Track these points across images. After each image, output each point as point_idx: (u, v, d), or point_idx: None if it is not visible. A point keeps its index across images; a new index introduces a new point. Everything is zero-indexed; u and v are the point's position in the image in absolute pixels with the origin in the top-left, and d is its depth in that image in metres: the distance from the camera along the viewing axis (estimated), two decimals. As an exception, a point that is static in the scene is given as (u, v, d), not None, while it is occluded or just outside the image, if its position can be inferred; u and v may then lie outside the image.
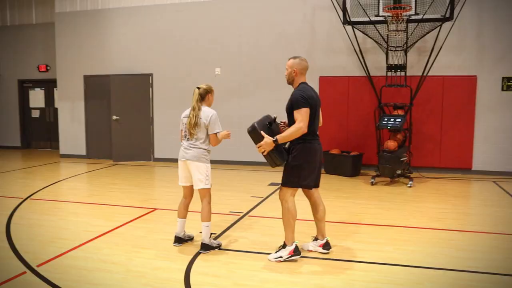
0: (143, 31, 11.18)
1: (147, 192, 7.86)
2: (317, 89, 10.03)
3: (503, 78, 9.09)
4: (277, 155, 4.38)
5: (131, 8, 11.21)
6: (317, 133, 4.47)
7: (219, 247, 4.94)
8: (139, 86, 11.16)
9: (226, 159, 10.69)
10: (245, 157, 10.46)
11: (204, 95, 4.88)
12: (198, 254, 4.75)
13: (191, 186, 4.98)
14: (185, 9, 10.86)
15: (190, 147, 4.80)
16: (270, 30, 10.34)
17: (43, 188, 8.10)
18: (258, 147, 4.31)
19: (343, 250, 4.86)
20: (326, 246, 4.71)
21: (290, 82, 4.55)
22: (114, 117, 11.06)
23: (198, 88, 4.88)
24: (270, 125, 4.52)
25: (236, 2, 10.54)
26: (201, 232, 4.94)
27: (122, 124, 11.10)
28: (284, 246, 4.52)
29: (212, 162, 10.97)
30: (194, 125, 4.76)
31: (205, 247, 4.83)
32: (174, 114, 11.03)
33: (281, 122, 4.67)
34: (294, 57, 4.53)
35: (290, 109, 4.37)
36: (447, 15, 8.27)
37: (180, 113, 11.41)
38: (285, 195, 4.46)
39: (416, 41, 8.52)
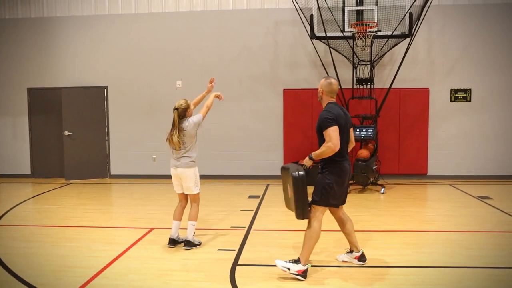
0: (96, 42, 10.60)
1: (129, 212, 7.43)
2: (281, 101, 10.33)
3: (451, 90, 9.98)
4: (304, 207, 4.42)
5: (82, 17, 10.60)
6: (347, 153, 4.55)
7: (199, 244, 5.44)
8: (93, 99, 10.56)
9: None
10: (213, 171, 10.30)
11: (184, 114, 5.37)
12: (234, 271, 4.64)
13: (184, 193, 5.51)
14: (143, 20, 10.51)
15: (180, 155, 5.36)
16: (234, 43, 10.36)
17: (6, 213, 7.34)
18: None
19: (368, 257, 5.01)
20: (362, 258, 4.79)
21: (320, 100, 4.64)
22: (66, 133, 10.33)
23: (177, 109, 5.32)
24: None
25: (198, 14, 10.42)
26: (187, 242, 5.33)
27: (75, 140, 10.40)
28: (297, 261, 4.43)
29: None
30: (177, 143, 5.27)
31: (189, 244, 5.34)
32: (132, 129, 10.66)
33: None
34: (326, 78, 4.59)
35: (319, 130, 4.43)
36: (406, 32, 8.92)
37: (138, 127, 10.93)
38: (315, 213, 4.45)
39: (383, 56, 9.05)
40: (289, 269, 4.40)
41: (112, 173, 10.79)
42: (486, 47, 9.83)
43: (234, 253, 5.21)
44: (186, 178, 5.33)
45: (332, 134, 4.28)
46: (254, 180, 10.28)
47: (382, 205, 7.72)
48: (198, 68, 10.48)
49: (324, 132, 4.34)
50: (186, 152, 5.34)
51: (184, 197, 5.52)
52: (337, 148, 4.27)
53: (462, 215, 6.92)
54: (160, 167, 10.59)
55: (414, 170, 10.07)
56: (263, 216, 7.04)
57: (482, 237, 5.75)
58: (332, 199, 4.45)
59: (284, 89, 10.31)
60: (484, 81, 9.88)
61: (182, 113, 5.31)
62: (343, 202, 4.66)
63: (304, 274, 4.40)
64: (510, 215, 6.79)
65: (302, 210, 4.44)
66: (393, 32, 8.67)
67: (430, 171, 10.06)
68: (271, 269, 4.70)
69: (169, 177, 10.08)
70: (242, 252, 5.25)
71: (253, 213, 7.20)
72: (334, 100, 4.58)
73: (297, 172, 4.41)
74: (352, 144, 4.65)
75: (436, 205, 7.69)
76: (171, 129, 5.33)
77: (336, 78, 9.19)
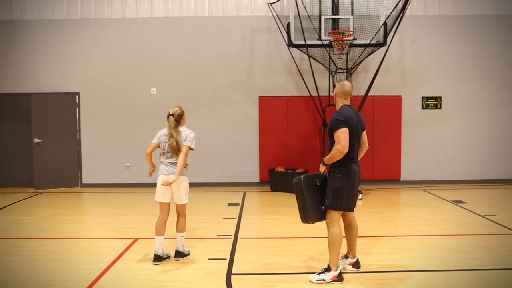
0: (67, 46, 10.26)
1: (110, 222, 7.20)
2: (257, 108, 10.33)
3: (422, 97, 10.31)
4: (313, 212, 4.51)
5: (53, 21, 10.24)
6: (357, 156, 4.58)
7: (189, 254, 5.38)
8: (64, 105, 10.21)
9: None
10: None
11: (180, 119, 5.23)
12: (229, 281, 4.59)
13: (169, 204, 5.24)
14: (117, 25, 10.28)
15: (173, 162, 5.14)
16: (210, 50, 10.30)
17: (-24, 225, 6.99)
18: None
19: (360, 262, 5.05)
20: (356, 264, 4.85)
21: (335, 103, 4.72)
22: (36, 140, 9.94)
23: (172, 115, 5.16)
24: (318, 183, 4.58)
25: (173, 20, 10.29)
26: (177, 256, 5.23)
27: (45, 148, 10.03)
28: (328, 269, 4.51)
29: (149, 185, 10.34)
30: (176, 149, 5.10)
31: (180, 255, 5.25)
32: (104, 136, 10.39)
33: None
34: (340, 81, 4.74)
35: (330, 132, 4.49)
36: (381, 41, 9.17)
37: (111, 134, 10.39)
38: (332, 219, 4.50)
39: (359, 64, 9.24)
40: (324, 280, 4.46)
41: (84, 181, 10.45)
42: (455, 56, 10.23)
43: (226, 262, 5.15)
44: (179, 185, 5.12)
45: (341, 136, 4.32)
46: (230, 187, 10.23)
47: (361, 211, 7.83)
48: (173, 75, 10.35)
49: (334, 134, 4.40)
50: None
51: (167, 209, 5.24)
52: (346, 150, 4.31)
53: (442, 219, 7.13)
54: (134, 175, 10.36)
55: (388, 176, 10.30)
56: (247, 224, 7.01)
57: (467, 240, 5.94)
58: (345, 202, 4.49)
59: (260, 96, 10.34)
60: (453, 89, 10.27)
61: (177, 119, 5.17)
62: (355, 205, 4.68)
63: (339, 277, 4.49)
64: (486, 218, 7.06)
65: (304, 213, 4.52)
66: (371, 41, 8.87)
67: (403, 177, 10.32)
68: (266, 277, 4.70)
69: (144, 185, 10.16)
70: (234, 261, 5.19)
71: (236, 221, 7.16)
72: (348, 102, 4.64)
73: (296, 178, 4.52)
74: (365, 147, 4.69)
75: (415, 210, 7.88)
76: (167, 135, 5.15)
77: (314, 85, 9.35)
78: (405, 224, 6.92)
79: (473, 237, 6.08)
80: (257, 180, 10.42)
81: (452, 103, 10.30)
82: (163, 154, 5.21)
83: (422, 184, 10.18)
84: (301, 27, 8.79)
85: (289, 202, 8.51)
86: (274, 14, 9.26)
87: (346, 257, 4.90)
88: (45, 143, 10.04)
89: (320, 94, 9.52)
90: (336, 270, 4.49)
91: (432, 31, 10.20)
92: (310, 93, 9.54)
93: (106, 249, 5.71)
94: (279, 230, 6.61)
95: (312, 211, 4.51)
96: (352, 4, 9.47)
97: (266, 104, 10.34)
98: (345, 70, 9.26)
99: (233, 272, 4.85)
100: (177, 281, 4.63)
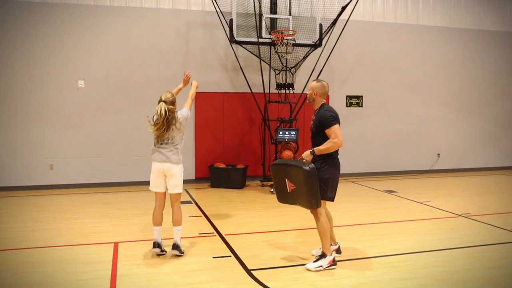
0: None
1: (67, 227, 6.42)
2: (192, 104, 10.07)
3: (346, 96, 11.12)
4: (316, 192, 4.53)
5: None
6: None
7: (183, 253, 5.18)
8: (-27, 99, 8.89)
9: (98, 181, 9.57)
10: (122, 177, 9.57)
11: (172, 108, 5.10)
12: (254, 277, 4.54)
13: (164, 193, 5.22)
14: (38, 8, 9.18)
15: (168, 150, 5.05)
16: (142, 42, 9.80)
17: None
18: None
19: (349, 250, 5.32)
20: (338, 250, 5.13)
21: (311, 102, 4.85)
22: None
23: (164, 101, 5.04)
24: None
25: (103, 8, 9.55)
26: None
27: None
28: (323, 255, 4.69)
29: (84, 185, 9.80)
30: (162, 136, 5.02)
31: (177, 248, 5.11)
32: (22, 133, 9.37)
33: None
34: (318, 81, 4.85)
35: (319, 128, 4.66)
36: (317, 42, 9.70)
37: (31, 132, 9.62)
38: (319, 209, 4.64)
39: (298, 63, 9.61)
40: (322, 266, 4.62)
41: (-12, 184, 9.20)
42: (373, 58, 11.24)
43: (234, 259, 5.07)
44: (173, 175, 5.08)
45: (338, 131, 4.60)
46: (166, 185, 9.85)
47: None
48: (103, 68, 9.65)
49: (327, 130, 4.60)
50: (175, 147, 5.11)
51: (163, 198, 5.23)
52: (342, 144, 4.59)
53: (393, 207, 7.85)
54: (58, 176, 9.46)
55: (317, 170, 10.89)
56: (218, 220, 6.89)
57: (428, 224, 6.64)
58: (330, 192, 4.70)
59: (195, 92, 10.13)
60: (372, 89, 11.27)
61: (171, 108, 5.04)
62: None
63: (334, 262, 4.69)
64: (425, 204, 7.97)
65: (317, 200, 4.54)
66: (316, 41, 9.31)
67: (331, 170, 11.01)
68: (288, 270, 4.73)
69: (71, 186, 9.28)
70: (242, 258, 5.10)
71: (203, 218, 7.04)
72: (325, 101, 4.83)
73: (308, 166, 4.47)
74: None
75: (362, 200, 8.46)
76: (157, 123, 4.95)
77: (262, 82, 9.50)
78: (364, 213, 7.38)
79: (431, 221, 6.82)
80: (193, 177, 10.23)
81: (371, 101, 11.30)
82: (157, 141, 5.10)
83: (348, 177, 10.98)
84: (230, 25, 8.85)
85: (241, 197, 8.57)
86: (218, 10, 9.18)
87: None
88: (-50, 141, 8.62)
89: (256, 91, 9.72)
90: (331, 255, 4.72)
91: (355, 35, 11.03)
92: (251, 89, 9.68)
93: (92, 256, 5.21)
94: (256, 225, 6.66)
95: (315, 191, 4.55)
96: (290, 5, 9.81)
97: (202, 100, 10.20)
98: (283, 68, 9.56)
99: (250, 268, 4.77)
100: (201, 282, 4.43)
